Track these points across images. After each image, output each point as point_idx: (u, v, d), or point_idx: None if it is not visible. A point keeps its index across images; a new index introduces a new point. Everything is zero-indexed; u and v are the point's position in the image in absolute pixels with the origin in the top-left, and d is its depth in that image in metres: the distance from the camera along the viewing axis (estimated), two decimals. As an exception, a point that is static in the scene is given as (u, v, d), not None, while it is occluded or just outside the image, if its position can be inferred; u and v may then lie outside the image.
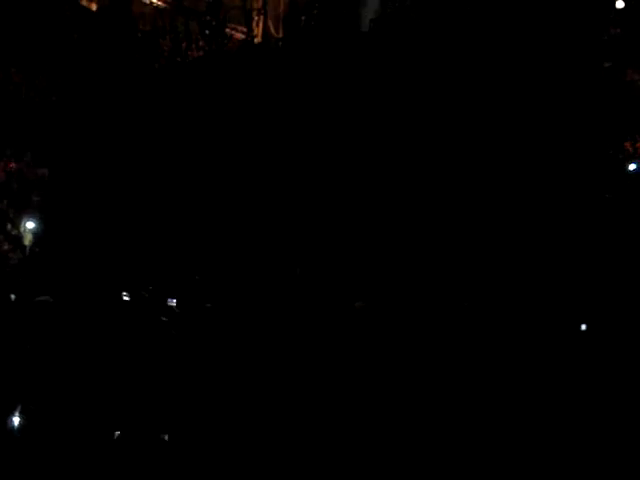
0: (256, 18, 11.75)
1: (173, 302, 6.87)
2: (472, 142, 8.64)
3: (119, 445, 4.17)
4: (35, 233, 18.50)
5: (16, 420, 4.05)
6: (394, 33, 9.64)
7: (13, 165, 20.98)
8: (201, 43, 13.14)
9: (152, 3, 17.42)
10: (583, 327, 5.96)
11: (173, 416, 3.94)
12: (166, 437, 4.25)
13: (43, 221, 16.41)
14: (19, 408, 4.06)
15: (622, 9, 15.12)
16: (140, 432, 4.22)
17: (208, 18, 12.46)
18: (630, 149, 13.72)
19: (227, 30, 12.83)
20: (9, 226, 19.30)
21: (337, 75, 9.90)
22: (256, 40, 11.51)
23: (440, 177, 8.77)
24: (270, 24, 11.90)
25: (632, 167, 13.06)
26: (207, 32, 12.27)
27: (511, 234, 8.33)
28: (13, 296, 9.45)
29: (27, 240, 18.68)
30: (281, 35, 11.27)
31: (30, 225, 18.63)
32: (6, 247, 18.13)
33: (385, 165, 9.42)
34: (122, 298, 8.01)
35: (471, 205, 8.69)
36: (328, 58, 10.16)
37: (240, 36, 13.41)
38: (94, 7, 19.68)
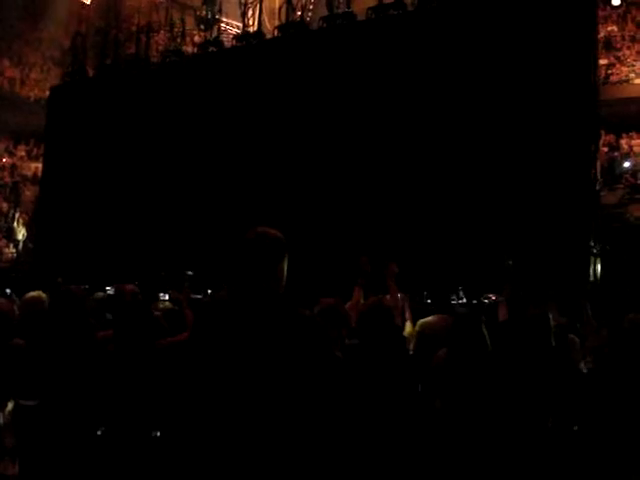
0: (251, 12, 11.69)
1: (165, 296, 6.83)
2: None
3: (112, 442, 4.13)
4: (29, 228, 18.48)
5: (8, 416, 4.00)
6: (395, 21, 9.40)
7: (6, 159, 20.97)
8: (197, 38, 13.10)
9: (148, -3, 17.34)
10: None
11: (166, 412, 3.90)
12: (158, 434, 4.19)
13: (36, 216, 16.35)
14: (12, 404, 4.02)
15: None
16: (132, 429, 4.18)
17: (204, 13, 12.42)
18: (625, 147, 13.76)
19: (222, 25, 12.78)
20: (2, 221, 19.28)
21: (334, 65, 9.73)
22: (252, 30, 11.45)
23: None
24: (265, 17, 11.84)
25: (627, 164, 13.10)
26: (202, 27, 12.23)
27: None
28: (8, 290, 9.39)
29: (20, 235, 18.67)
30: (276, 26, 11.18)
31: (23, 220, 18.62)
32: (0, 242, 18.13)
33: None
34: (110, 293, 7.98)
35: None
36: (324, 48, 10.02)
37: (235, 32, 13.35)
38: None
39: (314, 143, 9.66)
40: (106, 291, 7.15)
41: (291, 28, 10.64)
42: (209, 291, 9.83)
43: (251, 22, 11.31)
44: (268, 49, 10.87)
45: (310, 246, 8.74)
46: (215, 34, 11.90)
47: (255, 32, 11.18)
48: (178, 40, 12.34)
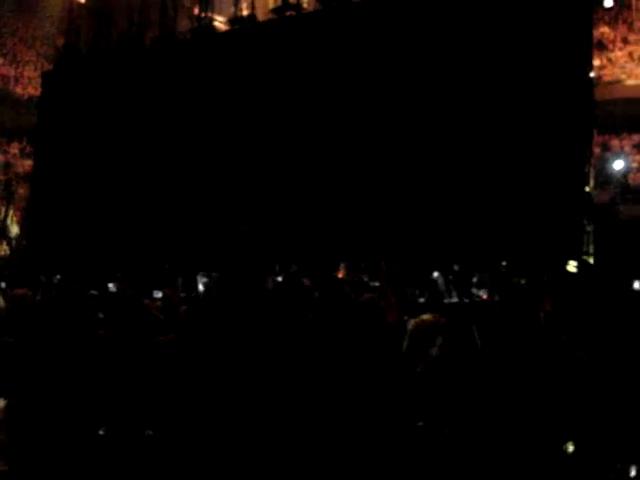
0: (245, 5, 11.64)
1: (159, 294, 6.82)
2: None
3: (107, 439, 4.13)
4: (22, 225, 18.44)
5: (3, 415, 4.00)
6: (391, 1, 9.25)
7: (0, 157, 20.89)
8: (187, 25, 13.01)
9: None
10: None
11: (161, 408, 3.89)
12: (151, 432, 4.19)
13: (29, 213, 16.31)
14: (3, 401, 4.01)
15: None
16: (127, 427, 4.18)
17: (196, 11, 12.38)
18: (617, 147, 13.78)
19: (215, 23, 12.74)
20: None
21: (330, 47, 9.58)
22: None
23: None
24: (257, 8, 11.73)
25: (618, 164, 13.09)
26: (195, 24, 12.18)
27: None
28: (4, 284, 9.40)
29: (13, 232, 18.62)
30: (271, 9, 11.07)
31: (16, 217, 18.57)
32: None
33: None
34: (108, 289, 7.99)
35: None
36: (319, 30, 9.89)
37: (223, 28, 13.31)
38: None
39: (308, 127, 9.60)
40: (107, 288, 7.17)
41: (286, 10, 10.60)
42: (201, 286, 9.81)
43: (245, 6, 11.27)
44: (262, 32, 10.81)
45: (303, 238, 8.74)
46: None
47: (249, 15, 11.12)
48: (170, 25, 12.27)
